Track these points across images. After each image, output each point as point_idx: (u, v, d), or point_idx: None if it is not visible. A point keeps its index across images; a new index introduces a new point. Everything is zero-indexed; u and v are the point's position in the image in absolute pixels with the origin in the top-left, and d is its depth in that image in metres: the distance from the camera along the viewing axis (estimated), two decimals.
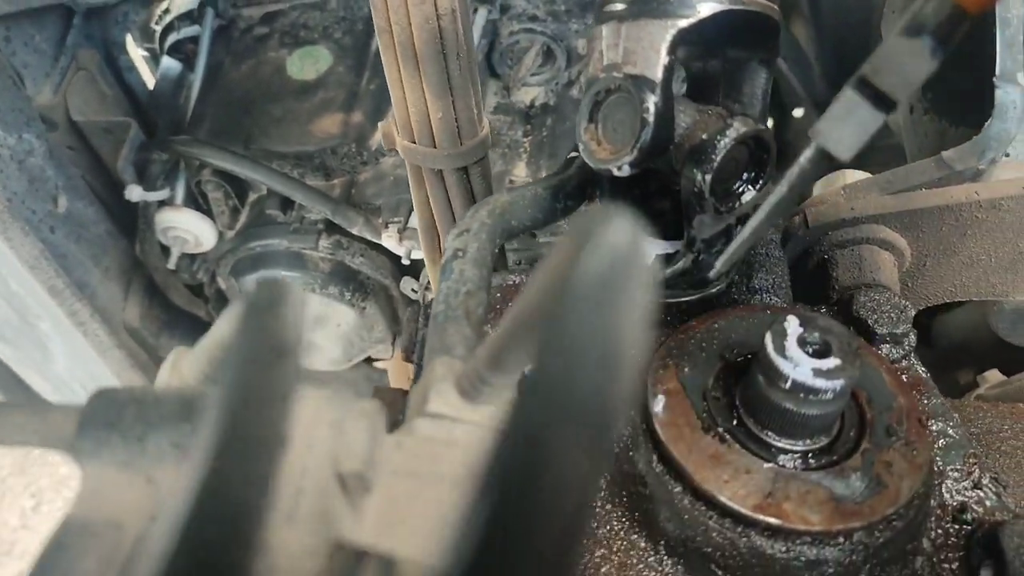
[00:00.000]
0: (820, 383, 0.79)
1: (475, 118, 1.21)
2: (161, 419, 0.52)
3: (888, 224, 1.16)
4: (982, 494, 0.95)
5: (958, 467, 0.96)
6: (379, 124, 1.28)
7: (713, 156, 0.85)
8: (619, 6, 0.89)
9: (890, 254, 1.18)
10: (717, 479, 0.82)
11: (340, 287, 2.01)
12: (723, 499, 0.80)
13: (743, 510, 0.80)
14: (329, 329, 2.15)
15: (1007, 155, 1.57)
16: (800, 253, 1.22)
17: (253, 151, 1.99)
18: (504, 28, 2.07)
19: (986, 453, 1.19)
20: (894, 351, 1.05)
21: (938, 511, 0.92)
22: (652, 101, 0.85)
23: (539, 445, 0.26)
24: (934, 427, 0.99)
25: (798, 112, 2.59)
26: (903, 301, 1.08)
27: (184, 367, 0.66)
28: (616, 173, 0.89)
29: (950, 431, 0.99)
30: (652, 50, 0.85)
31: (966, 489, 0.95)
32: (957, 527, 0.91)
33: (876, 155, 1.82)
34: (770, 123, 2.67)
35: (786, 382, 0.80)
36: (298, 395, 0.50)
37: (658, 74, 0.85)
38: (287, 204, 1.99)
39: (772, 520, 0.79)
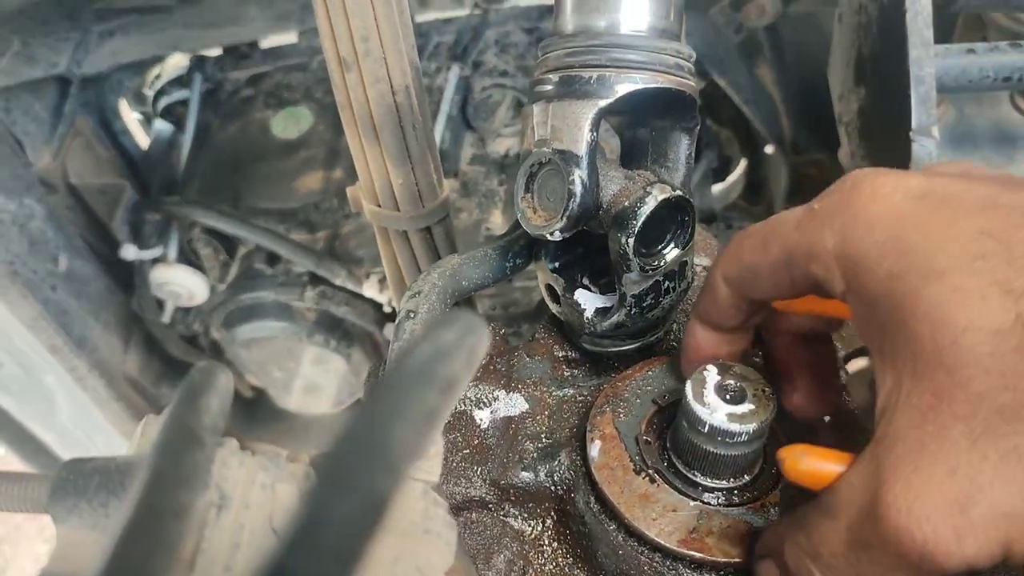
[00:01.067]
0: (735, 427, 0.87)
1: (434, 182, 1.31)
2: (121, 487, 0.61)
3: None
4: None
5: None
6: (347, 189, 1.37)
7: (634, 222, 0.94)
8: (548, 87, 0.98)
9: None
10: (646, 517, 0.89)
11: (326, 335, 2.10)
12: (651, 535, 0.88)
13: (669, 545, 0.87)
14: (328, 372, 2.25)
15: None
16: None
17: (241, 208, 2.09)
18: (477, 83, 2.17)
19: None
20: None
21: None
22: (578, 174, 0.94)
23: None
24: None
25: (769, 149, 2.69)
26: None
27: (151, 434, 0.74)
28: (550, 238, 0.97)
29: None
30: (576, 128, 0.94)
31: None
32: None
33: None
34: (743, 162, 2.77)
35: (705, 427, 0.87)
36: (235, 459, 0.58)
37: (582, 149, 0.94)
38: (274, 258, 2.09)
39: (696, 554, 0.87)
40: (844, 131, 1.67)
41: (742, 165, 2.82)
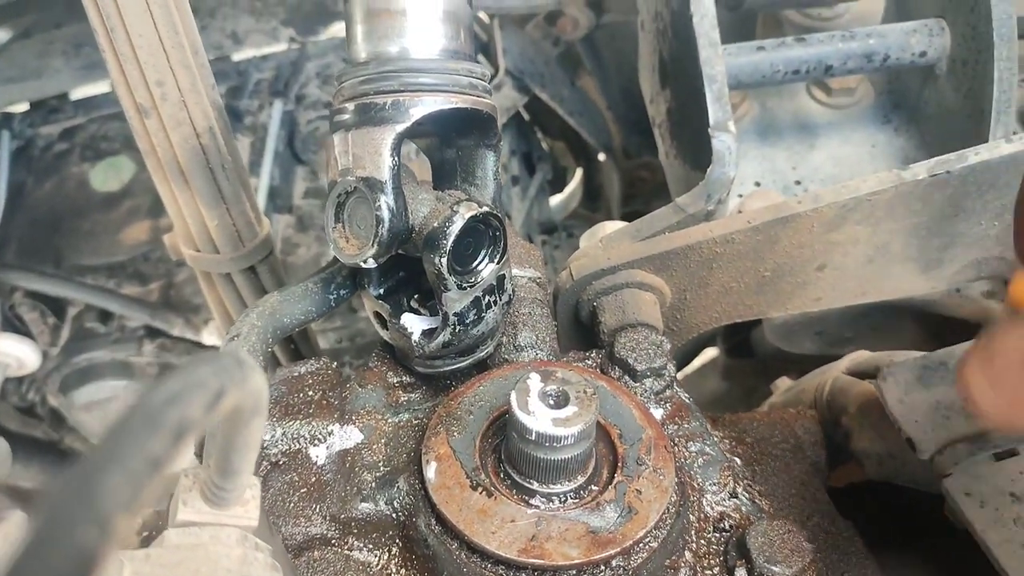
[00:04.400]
0: (560, 431, 0.88)
1: (252, 221, 1.28)
2: None
3: (643, 267, 1.29)
4: (738, 502, 1.06)
5: (715, 481, 1.07)
6: (164, 237, 1.33)
7: (445, 241, 0.95)
8: (346, 116, 0.98)
9: (651, 294, 1.30)
10: (486, 531, 0.90)
11: None
12: (492, 549, 0.89)
13: (511, 556, 0.88)
14: None
15: (758, 184, 1.75)
16: (573, 305, 1.33)
17: (65, 267, 2.00)
18: (302, 117, 2.15)
19: (758, 460, 1.32)
20: (656, 384, 1.16)
21: (699, 524, 1.02)
22: (384, 200, 0.94)
23: None
24: (693, 448, 1.10)
25: (602, 156, 2.76)
26: (659, 337, 1.19)
27: None
28: (364, 266, 0.97)
29: (707, 449, 1.10)
30: (377, 154, 0.95)
31: (723, 500, 1.06)
32: (717, 535, 1.02)
33: None
34: (579, 172, 2.84)
35: (532, 435, 0.89)
36: None
37: (385, 175, 0.94)
38: (106, 315, 2.01)
39: (536, 561, 0.88)
40: (658, 132, 1.74)
41: (578, 175, 2.88)
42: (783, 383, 1.74)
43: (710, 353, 2.80)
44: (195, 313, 1.92)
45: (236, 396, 0.42)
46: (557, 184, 2.83)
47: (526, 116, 2.54)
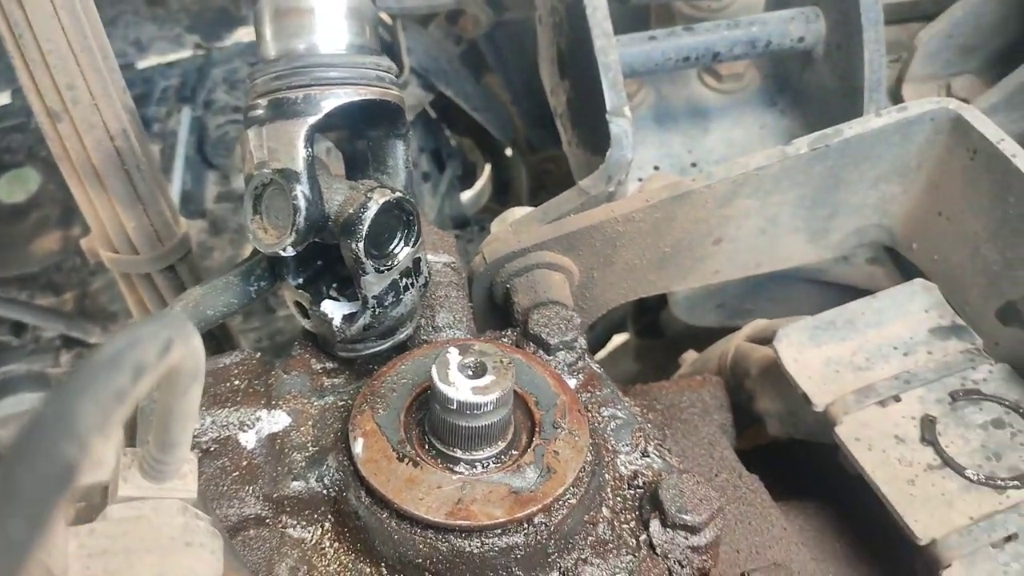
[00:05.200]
0: (479, 399, 0.94)
1: (170, 221, 1.31)
2: None
3: (551, 248, 1.35)
4: (649, 460, 1.13)
5: (628, 442, 1.14)
6: (81, 241, 1.35)
7: (361, 227, 1.00)
8: (259, 111, 1.02)
9: (560, 274, 1.37)
10: (414, 499, 0.95)
11: None
12: (420, 514, 0.94)
13: (438, 519, 0.93)
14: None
15: (656, 168, 1.83)
16: (487, 288, 1.39)
17: None
18: (211, 122, 2.16)
19: (669, 424, 1.40)
20: (568, 356, 1.23)
21: (614, 482, 1.09)
22: (299, 189, 0.98)
23: None
24: (606, 413, 1.17)
25: (509, 151, 2.83)
26: (570, 312, 1.26)
27: None
28: (283, 255, 1.01)
29: (620, 414, 1.17)
30: (291, 146, 0.99)
31: (636, 459, 1.13)
32: (632, 492, 1.09)
33: None
34: (487, 168, 2.90)
35: (453, 404, 0.94)
36: None
37: (300, 166, 0.99)
38: (20, 327, 1.99)
39: (463, 523, 0.93)
40: (560, 123, 1.81)
41: (486, 170, 2.95)
42: (690, 356, 1.83)
43: (619, 339, 2.90)
44: (112, 321, 1.92)
45: (182, 350, 0.46)
46: (467, 180, 2.89)
47: (433, 114, 2.59)
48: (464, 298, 1.28)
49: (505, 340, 1.25)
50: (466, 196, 2.84)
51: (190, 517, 0.73)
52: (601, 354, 2.84)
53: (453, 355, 0.98)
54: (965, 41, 1.74)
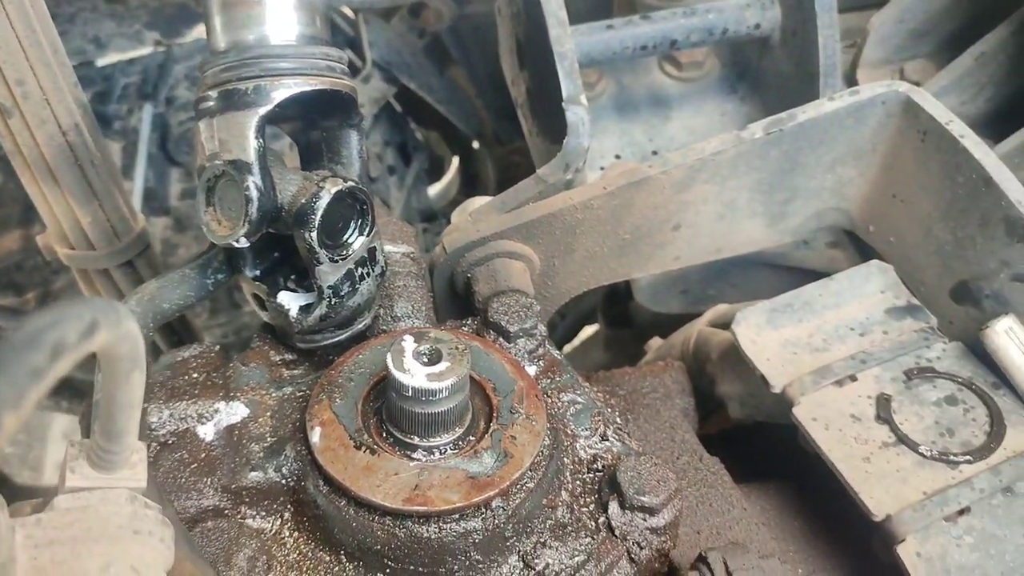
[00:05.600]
0: (435, 385, 0.94)
1: (127, 216, 1.30)
2: None
3: (511, 237, 1.36)
4: (608, 444, 1.14)
5: (587, 427, 1.14)
6: (37, 238, 1.34)
7: (314, 216, 1.00)
8: (210, 103, 1.02)
9: (520, 262, 1.38)
10: (371, 486, 0.95)
11: (55, 398, 2.01)
12: (378, 501, 0.94)
13: (395, 506, 0.94)
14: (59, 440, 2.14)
15: (618, 157, 1.84)
16: (448, 278, 1.39)
17: None
18: (173, 119, 2.15)
19: (631, 409, 1.42)
20: (528, 343, 1.23)
21: (573, 466, 1.10)
22: (251, 180, 0.98)
23: None
24: (566, 398, 1.18)
25: (476, 144, 2.83)
26: (529, 300, 1.26)
27: None
28: (236, 246, 1.01)
29: (579, 399, 1.18)
30: (242, 137, 0.99)
31: (596, 444, 1.14)
32: (591, 476, 1.10)
33: None
34: (455, 161, 2.91)
35: (409, 391, 0.95)
36: None
37: (251, 156, 0.99)
38: None
39: (420, 508, 0.94)
40: (521, 113, 1.82)
41: (454, 164, 2.95)
42: (655, 343, 1.84)
43: (589, 330, 2.91)
44: None
45: (110, 333, 0.46)
46: (435, 173, 2.89)
47: (398, 107, 2.59)
48: (424, 288, 1.28)
49: (465, 329, 1.26)
50: (434, 190, 2.85)
51: (138, 506, 0.73)
52: (572, 345, 2.85)
53: (408, 343, 0.98)
54: (916, 26, 1.77)
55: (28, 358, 0.38)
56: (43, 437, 2.13)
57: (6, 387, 0.36)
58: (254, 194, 0.98)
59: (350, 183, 1.03)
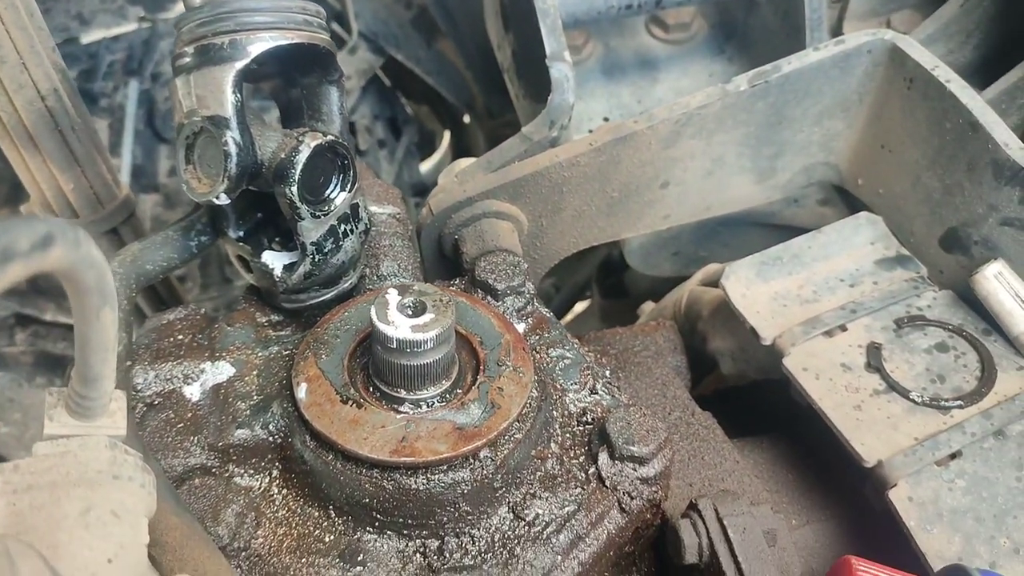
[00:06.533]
0: (419, 336, 0.94)
1: (110, 183, 1.30)
2: None
3: (498, 197, 1.35)
4: (598, 397, 1.14)
5: (576, 380, 1.14)
6: (20, 208, 1.33)
7: (293, 171, 0.99)
8: (186, 59, 1.01)
9: (507, 222, 1.37)
10: (358, 439, 0.95)
11: (48, 376, 2.00)
12: (365, 453, 0.94)
13: (383, 458, 0.93)
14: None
15: (606, 119, 1.83)
16: (436, 239, 1.38)
17: None
18: (159, 95, 2.14)
19: (622, 367, 1.41)
20: (516, 301, 1.23)
21: (563, 419, 1.10)
22: (229, 135, 0.97)
23: None
24: (554, 353, 1.17)
25: (467, 118, 2.82)
26: (516, 258, 1.25)
27: None
28: (216, 203, 1.01)
29: (568, 354, 1.17)
30: (219, 92, 0.98)
31: (585, 397, 1.13)
32: (581, 429, 1.09)
33: None
34: (447, 135, 2.89)
35: (393, 343, 0.94)
36: None
37: (229, 111, 0.98)
38: None
39: (407, 459, 0.93)
40: (507, 77, 1.81)
41: (446, 138, 2.94)
42: (647, 306, 1.84)
43: (579, 307, 2.91)
44: (66, 297, 1.90)
45: (68, 252, 0.46)
46: (426, 147, 2.88)
47: (387, 81, 2.57)
48: (410, 247, 1.28)
49: (453, 288, 1.25)
50: (427, 167, 2.83)
51: (118, 452, 0.73)
52: (566, 320, 2.84)
53: (392, 295, 0.97)
54: None
55: None
56: (39, 417, 2.13)
57: None
58: (233, 149, 0.98)
59: (330, 137, 1.02)
